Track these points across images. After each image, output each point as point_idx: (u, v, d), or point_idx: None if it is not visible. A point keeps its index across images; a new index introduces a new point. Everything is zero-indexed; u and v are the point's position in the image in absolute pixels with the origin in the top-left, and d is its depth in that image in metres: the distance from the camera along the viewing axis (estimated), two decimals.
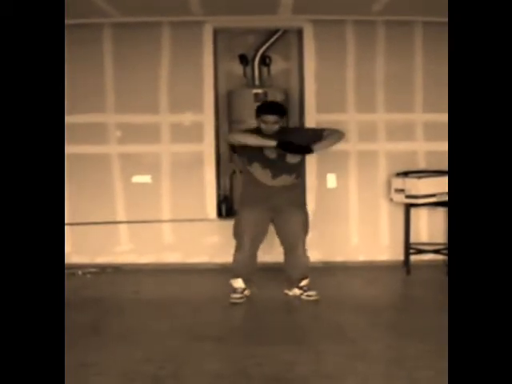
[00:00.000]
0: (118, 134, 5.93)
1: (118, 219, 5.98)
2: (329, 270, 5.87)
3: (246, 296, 4.75)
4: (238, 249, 4.68)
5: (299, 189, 4.85)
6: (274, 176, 4.53)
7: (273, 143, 4.32)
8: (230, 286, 4.74)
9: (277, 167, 4.51)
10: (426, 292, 5.16)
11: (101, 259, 5.95)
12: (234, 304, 4.65)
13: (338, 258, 6.04)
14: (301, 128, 4.72)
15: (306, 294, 4.73)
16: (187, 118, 5.86)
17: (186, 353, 3.55)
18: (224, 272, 5.00)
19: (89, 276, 5.69)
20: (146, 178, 5.99)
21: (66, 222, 5.67)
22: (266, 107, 4.59)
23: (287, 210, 4.59)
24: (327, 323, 4.15)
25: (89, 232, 5.86)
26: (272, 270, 5.05)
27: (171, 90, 5.91)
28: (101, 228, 5.89)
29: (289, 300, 4.75)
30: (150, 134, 5.93)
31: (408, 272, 5.68)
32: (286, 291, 4.85)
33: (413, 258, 5.77)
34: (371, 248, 6.09)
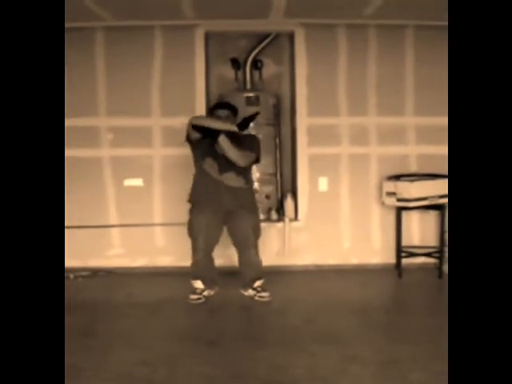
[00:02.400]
0: (110, 137, 5.93)
1: (110, 223, 5.97)
2: (321, 273, 5.89)
3: (206, 297, 4.87)
4: (193, 251, 4.83)
5: (249, 194, 4.90)
6: (221, 170, 4.67)
7: (233, 127, 4.53)
8: (191, 286, 4.87)
9: (224, 163, 4.65)
10: (417, 295, 5.19)
11: (93, 263, 5.93)
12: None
13: (330, 261, 6.05)
14: (249, 136, 4.89)
15: (258, 294, 4.84)
16: (179, 121, 5.83)
17: (180, 356, 3.54)
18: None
19: (80, 280, 5.67)
20: (137, 182, 5.99)
21: None
22: (218, 104, 5.02)
23: (238, 214, 4.74)
24: (320, 326, 4.15)
25: (81, 235, 5.83)
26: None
27: (163, 93, 5.91)
28: (93, 231, 5.88)
29: (280, 303, 4.75)
30: (141, 137, 5.93)
31: (400, 275, 5.70)
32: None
33: (404, 261, 5.80)
34: (363, 251, 6.10)
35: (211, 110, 4.85)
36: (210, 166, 4.68)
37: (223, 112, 4.74)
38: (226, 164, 4.64)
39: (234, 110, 4.82)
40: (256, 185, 5.87)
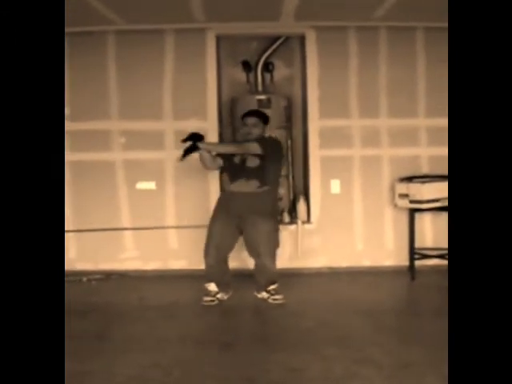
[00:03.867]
0: (123, 140, 5.95)
1: (123, 226, 5.99)
2: (334, 275, 5.88)
3: (219, 299, 4.87)
4: (205, 255, 4.82)
5: (266, 198, 4.76)
6: (232, 180, 4.75)
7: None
8: (204, 289, 4.86)
9: (236, 171, 4.73)
10: (430, 297, 5.15)
11: (106, 266, 5.95)
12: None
13: (343, 263, 6.04)
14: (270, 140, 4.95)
15: (272, 297, 4.84)
16: (191, 124, 5.84)
17: (193, 358, 3.55)
18: None
19: (94, 283, 5.70)
20: (150, 185, 6.00)
21: (71, 228, 5.71)
22: (247, 111, 4.95)
23: (251, 220, 4.70)
24: (332, 328, 4.14)
25: (94, 239, 5.87)
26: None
27: (175, 96, 5.93)
28: (106, 235, 5.90)
29: (293, 305, 4.75)
30: (154, 140, 5.94)
31: (413, 277, 5.67)
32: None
33: (417, 263, 5.77)
34: (376, 253, 6.09)
35: (242, 118, 4.87)
36: (225, 179, 4.83)
37: (251, 120, 4.76)
38: (237, 172, 4.71)
39: (261, 117, 4.81)
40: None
